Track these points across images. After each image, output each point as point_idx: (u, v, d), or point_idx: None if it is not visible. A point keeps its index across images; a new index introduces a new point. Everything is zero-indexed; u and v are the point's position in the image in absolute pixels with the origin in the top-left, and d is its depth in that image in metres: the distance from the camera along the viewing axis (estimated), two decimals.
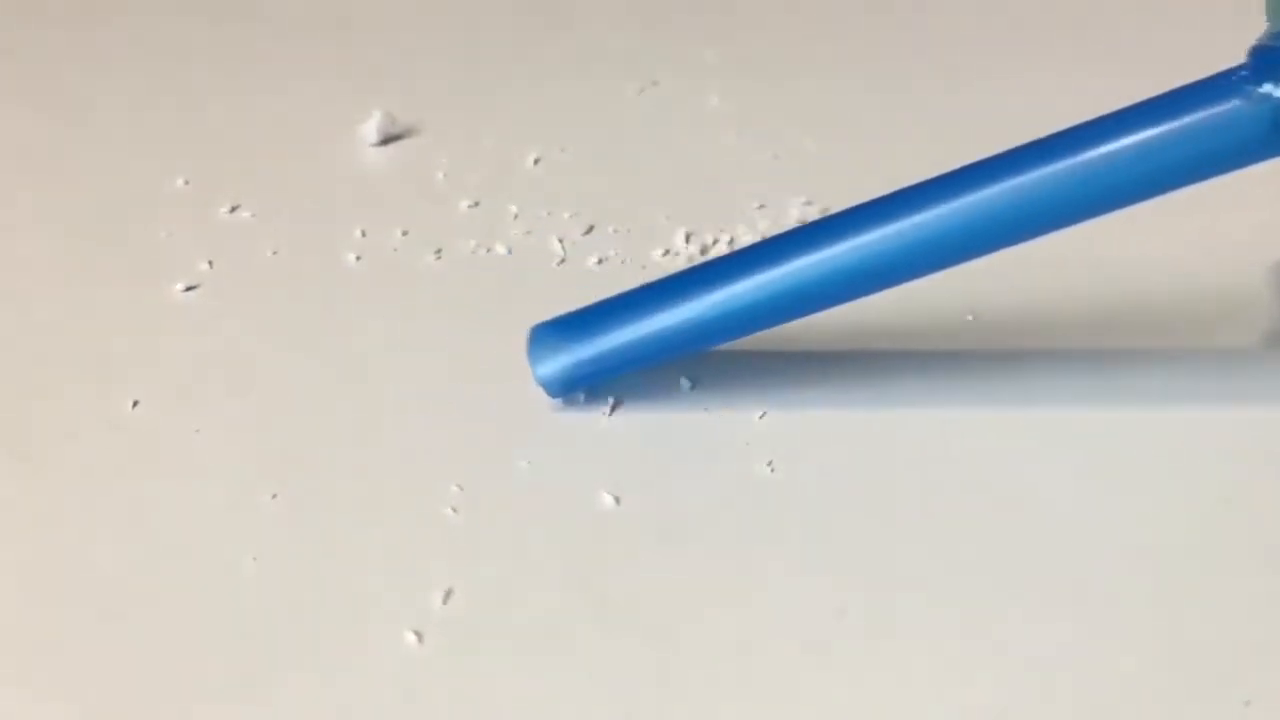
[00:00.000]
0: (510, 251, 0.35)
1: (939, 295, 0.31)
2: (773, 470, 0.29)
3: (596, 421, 0.30)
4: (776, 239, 0.30)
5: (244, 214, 0.37)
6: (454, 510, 0.28)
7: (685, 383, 0.31)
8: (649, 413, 0.30)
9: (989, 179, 0.28)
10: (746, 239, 0.35)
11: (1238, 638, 0.25)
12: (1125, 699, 0.24)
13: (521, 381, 0.31)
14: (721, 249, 0.35)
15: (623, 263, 0.35)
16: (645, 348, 0.29)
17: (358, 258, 0.35)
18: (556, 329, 0.30)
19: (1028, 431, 0.29)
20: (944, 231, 0.28)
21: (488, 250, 0.35)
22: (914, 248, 0.28)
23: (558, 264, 0.35)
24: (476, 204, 0.37)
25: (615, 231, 0.36)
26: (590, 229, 0.36)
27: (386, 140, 0.40)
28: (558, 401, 0.30)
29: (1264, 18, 0.27)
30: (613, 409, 0.30)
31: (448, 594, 0.26)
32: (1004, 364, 0.31)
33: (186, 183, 0.38)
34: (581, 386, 0.30)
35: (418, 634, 0.26)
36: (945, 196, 0.28)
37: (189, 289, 0.34)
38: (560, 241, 0.35)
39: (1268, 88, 0.26)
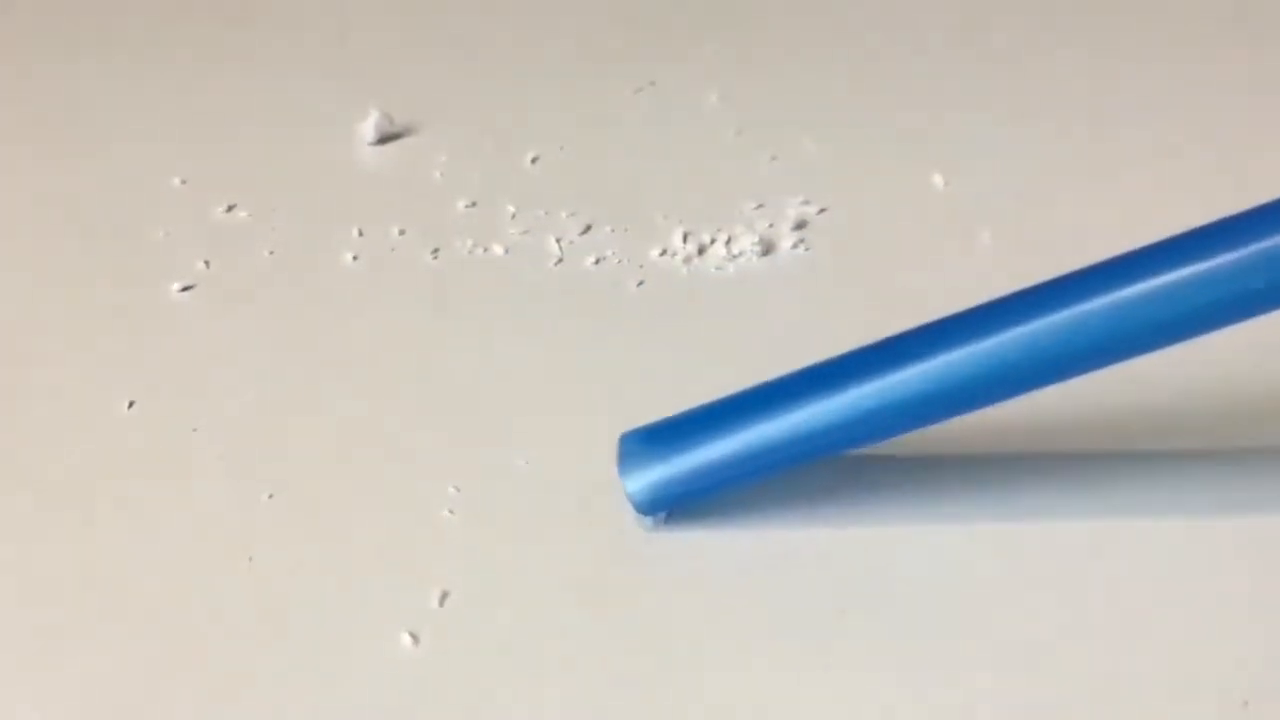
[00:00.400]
0: (508, 251, 0.35)
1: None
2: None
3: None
4: (904, 336, 0.27)
5: (241, 214, 0.37)
6: (451, 512, 0.28)
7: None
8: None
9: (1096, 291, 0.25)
10: (744, 239, 0.35)
11: (1236, 639, 0.25)
12: (1124, 699, 0.24)
13: (520, 382, 0.31)
14: (719, 249, 0.35)
15: (620, 262, 0.35)
16: (748, 463, 0.27)
17: (355, 257, 0.35)
18: (647, 438, 0.27)
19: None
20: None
21: (485, 250, 0.35)
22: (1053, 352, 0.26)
23: (555, 263, 0.35)
24: (474, 203, 0.37)
25: (613, 231, 0.36)
26: (588, 228, 0.36)
27: (384, 140, 0.39)
28: (556, 402, 0.30)
29: None
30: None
31: (444, 595, 0.26)
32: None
33: (183, 182, 0.38)
34: (672, 505, 0.27)
35: (413, 635, 0.26)
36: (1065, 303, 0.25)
37: (186, 289, 0.34)
38: (558, 241, 0.35)
39: None
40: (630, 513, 0.28)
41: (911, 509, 0.28)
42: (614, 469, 0.28)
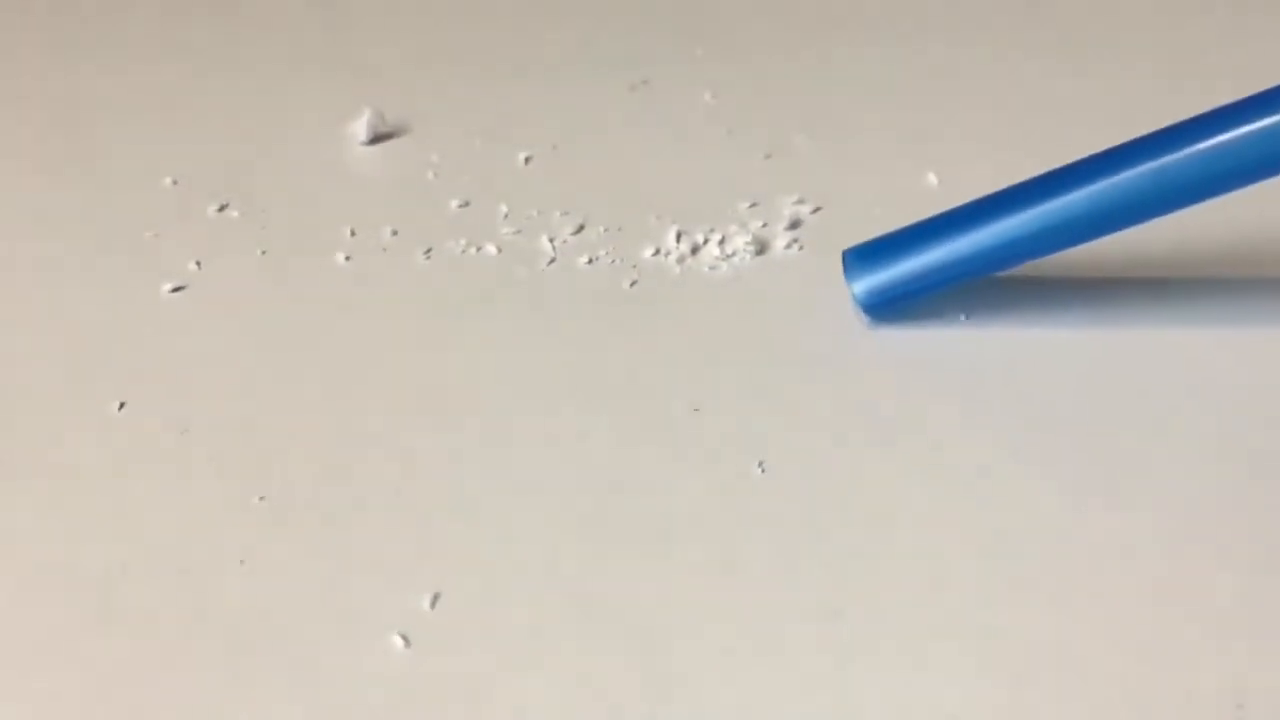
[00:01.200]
0: (500, 251, 0.35)
1: None
2: (763, 471, 0.29)
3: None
4: (1068, 168, 0.32)
5: (232, 213, 0.37)
6: (443, 513, 0.28)
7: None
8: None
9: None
10: (738, 239, 0.35)
11: (1231, 640, 0.25)
12: (1119, 701, 0.24)
13: (512, 382, 0.31)
14: (712, 248, 0.35)
15: (613, 262, 0.34)
16: (955, 268, 0.32)
17: (347, 257, 0.35)
18: (868, 252, 0.33)
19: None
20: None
21: (478, 250, 0.35)
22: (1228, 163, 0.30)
23: (548, 263, 0.35)
24: (466, 203, 0.37)
25: (606, 230, 0.35)
26: (580, 228, 0.36)
27: (376, 139, 0.39)
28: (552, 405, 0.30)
29: None
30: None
31: (435, 597, 0.26)
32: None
33: (175, 182, 0.38)
34: (897, 306, 0.32)
35: (405, 637, 0.26)
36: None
37: (177, 289, 0.34)
38: (550, 241, 0.35)
39: None
40: (621, 516, 0.28)
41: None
42: (604, 472, 0.28)
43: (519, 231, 0.36)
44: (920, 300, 0.32)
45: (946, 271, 0.32)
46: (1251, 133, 0.30)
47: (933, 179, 0.37)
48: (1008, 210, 0.32)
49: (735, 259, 0.34)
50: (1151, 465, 0.29)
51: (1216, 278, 0.33)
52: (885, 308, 0.32)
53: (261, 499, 0.28)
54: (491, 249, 0.35)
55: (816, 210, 0.36)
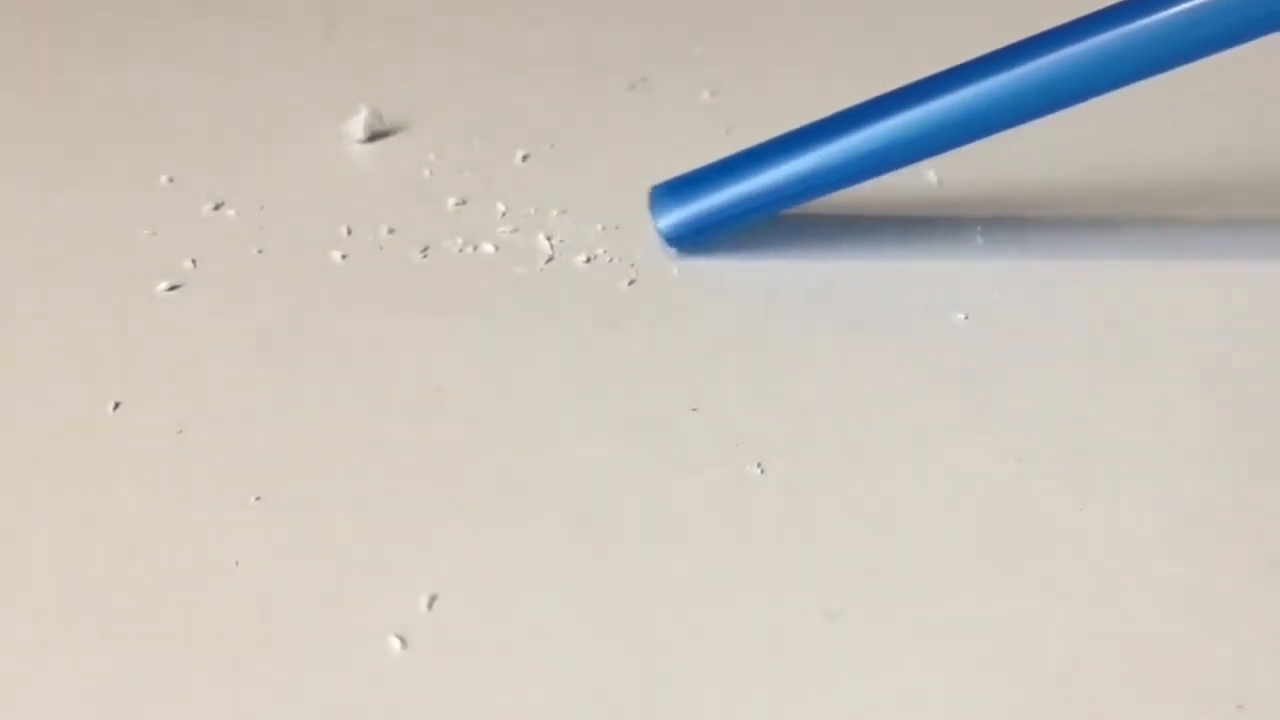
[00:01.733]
0: (497, 249, 0.35)
1: None
2: (762, 471, 0.29)
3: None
4: (864, 104, 0.34)
5: (229, 212, 0.36)
6: (439, 513, 0.28)
7: None
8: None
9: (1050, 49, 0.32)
10: None
11: (1230, 640, 0.25)
12: (1118, 701, 0.24)
13: (510, 381, 0.31)
14: None
15: (611, 261, 0.34)
16: (757, 200, 0.34)
17: (343, 256, 0.35)
18: (674, 187, 0.35)
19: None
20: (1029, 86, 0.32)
21: (475, 248, 0.35)
22: (1001, 102, 0.32)
23: (546, 262, 0.34)
24: (464, 202, 0.37)
25: (604, 229, 0.35)
26: (578, 227, 0.35)
27: (373, 137, 0.39)
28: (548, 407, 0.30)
29: None
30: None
31: (432, 599, 0.26)
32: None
33: (170, 180, 0.38)
34: (699, 238, 0.34)
35: (401, 639, 0.25)
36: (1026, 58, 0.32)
37: (172, 288, 0.34)
38: (548, 239, 0.35)
39: None
40: (619, 515, 0.27)
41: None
42: (603, 488, 0.28)
43: (516, 230, 0.35)
44: (723, 232, 0.34)
45: (749, 204, 0.34)
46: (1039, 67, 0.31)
47: (932, 176, 0.37)
48: (804, 143, 0.33)
49: None
50: (1151, 457, 0.28)
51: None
52: (688, 239, 0.34)
53: (258, 499, 0.28)
54: (489, 247, 0.35)
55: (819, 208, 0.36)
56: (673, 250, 0.34)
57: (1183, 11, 0.30)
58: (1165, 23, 0.31)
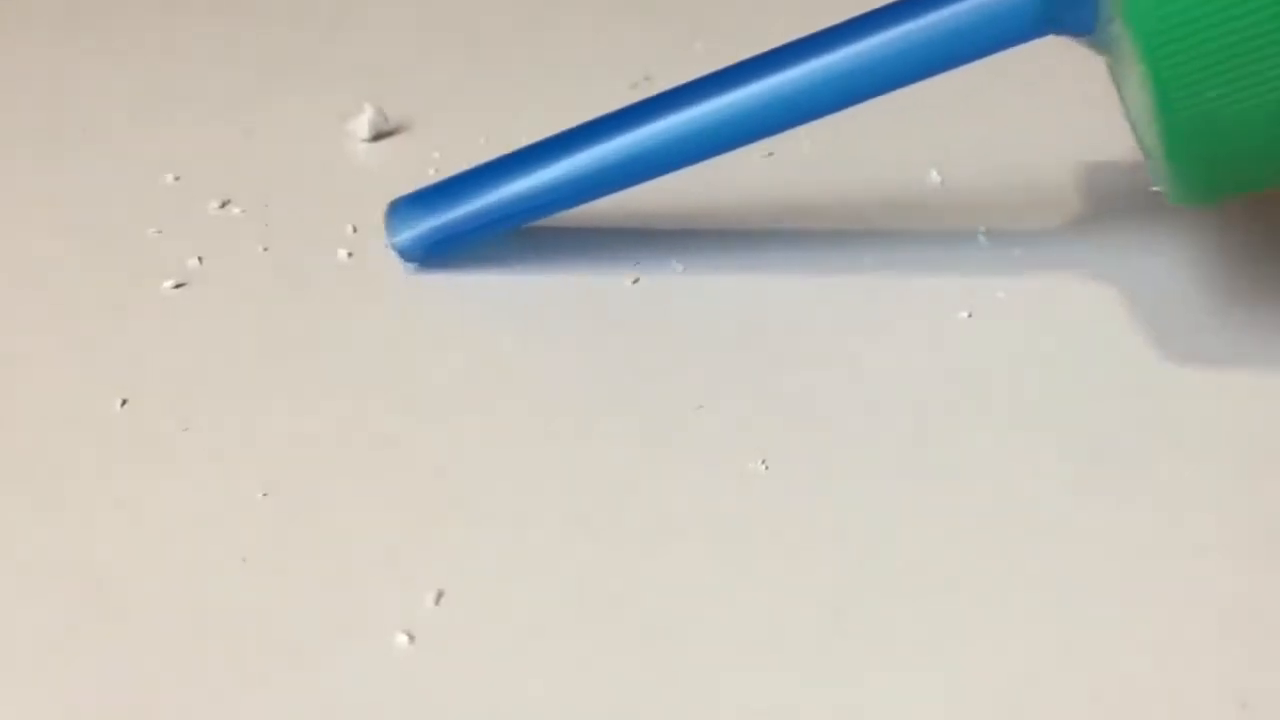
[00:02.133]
0: None
1: None
2: (766, 469, 0.29)
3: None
4: (617, 113, 0.33)
5: (234, 210, 0.37)
6: (447, 510, 0.28)
7: None
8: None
9: (790, 63, 0.32)
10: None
11: (1234, 637, 0.25)
12: (1120, 699, 0.24)
13: (516, 379, 0.31)
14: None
15: (614, 258, 0.34)
16: (498, 212, 0.33)
17: (349, 254, 0.35)
18: (414, 201, 0.34)
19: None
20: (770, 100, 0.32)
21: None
22: (738, 119, 0.32)
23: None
24: None
25: (607, 227, 0.35)
26: (582, 224, 0.35)
27: (378, 136, 0.39)
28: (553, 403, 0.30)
29: None
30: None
31: (440, 595, 0.26)
32: None
33: (176, 179, 0.38)
34: (438, 252, 0.34)
35: (409, 635, 0.26)
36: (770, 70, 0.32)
37: (178, 286, 0.34)
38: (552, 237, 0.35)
39: None
40: (626, 512, 0.28)
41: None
42: (608, 469, 0.28)
43: None
44: (465, 246, 0.33)
45: (487, 217, 0.33)
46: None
47: (935, 176, 0.37)
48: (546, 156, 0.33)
49: None
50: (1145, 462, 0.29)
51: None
52: (424, 253, 0.34)
53: (264, 495, 0.28)
54: None
55: (819, 208, 0.36)
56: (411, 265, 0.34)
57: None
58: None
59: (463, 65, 0.43)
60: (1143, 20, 0.26)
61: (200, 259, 0.35)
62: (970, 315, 0.32)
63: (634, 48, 0.43)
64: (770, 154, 0.38)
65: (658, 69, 0.42)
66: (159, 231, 0.36)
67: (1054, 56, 0.43)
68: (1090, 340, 0.32)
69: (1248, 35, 0.26)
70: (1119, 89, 0.31)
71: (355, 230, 0.35)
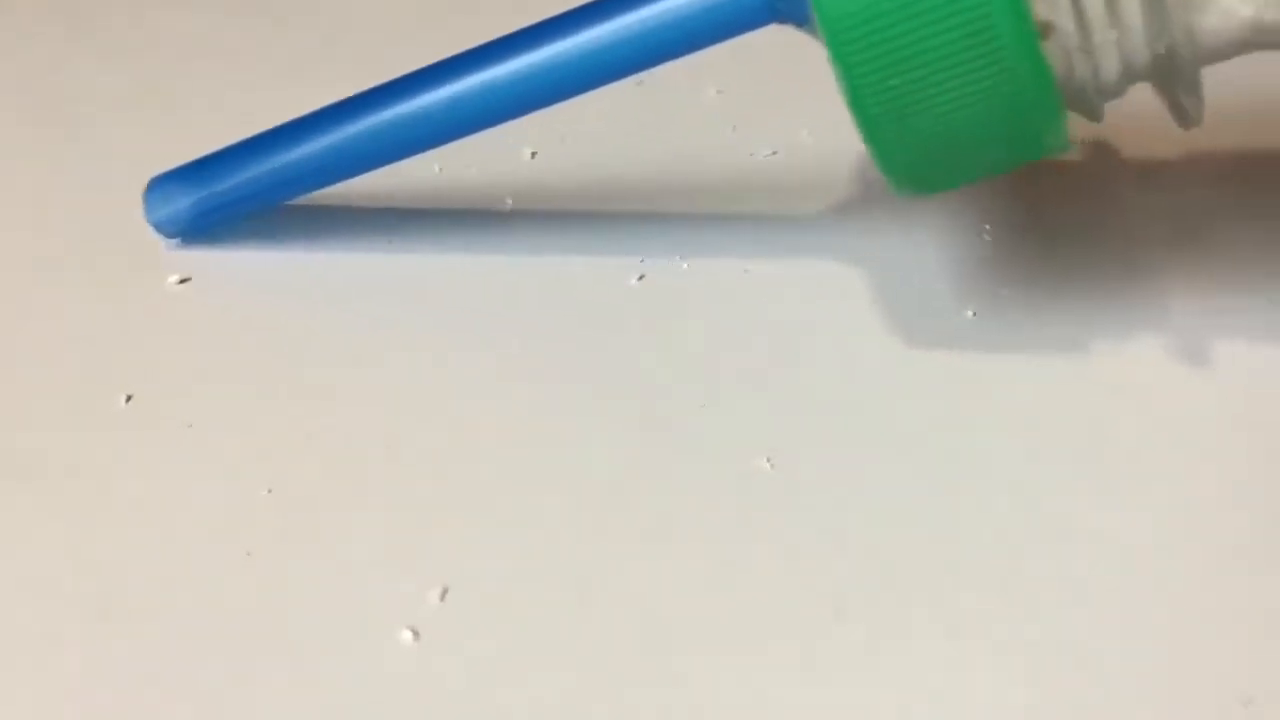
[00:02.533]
0: None
1: None
2: (771, 467, 0.29)
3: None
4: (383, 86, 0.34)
5: None
6: (452, 506, 0.28)
7: None
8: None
9: (508, 55, 0.33)
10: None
11: (1237, 636, 0.25)
12: (1121, 698, 0.24)
13: (517, 377, 0.31)
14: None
15: (618, 257, 0.34)
16: (260, 184, 0.33)
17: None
18: (175, 176, 0.34)
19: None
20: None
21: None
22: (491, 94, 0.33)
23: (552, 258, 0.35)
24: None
25: (610, 225, 0.35)
26: (585, 223, 0.36)
27: None
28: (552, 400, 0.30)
29: None
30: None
31: (445, 591, 0.26)
32: None
33: None
34: (200, 227, 0.34)
35: (414, 631, 0.26)
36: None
37: (183, 281, 0.34)
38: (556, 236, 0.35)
39: None
40: (631, 508, 0.27)
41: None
42: (613, 467, 0.28)
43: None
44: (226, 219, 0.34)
45: (249, 189, 0.33)
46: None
47: None
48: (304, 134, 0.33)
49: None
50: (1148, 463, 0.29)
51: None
52: (182, 227, 0.34)
53: (269, 491, 0.28)
54: None
55: (822, 207, 0.36)
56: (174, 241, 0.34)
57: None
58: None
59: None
60: (827, 6, 0.26)
61: (204, 254, 0.35)
62: (974, 314, 0.32)
63: None
64: (774, 153, 0.38)
65: (659, 68, 0.42)
66: None
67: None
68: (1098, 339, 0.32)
69: (928, 21, 0.26)
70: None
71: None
